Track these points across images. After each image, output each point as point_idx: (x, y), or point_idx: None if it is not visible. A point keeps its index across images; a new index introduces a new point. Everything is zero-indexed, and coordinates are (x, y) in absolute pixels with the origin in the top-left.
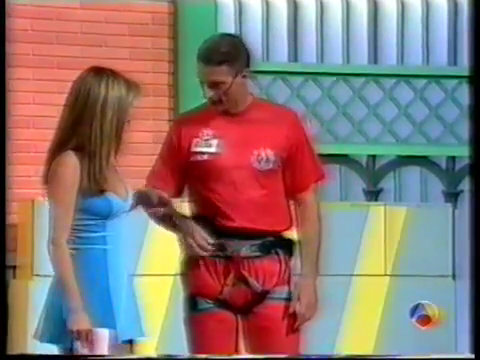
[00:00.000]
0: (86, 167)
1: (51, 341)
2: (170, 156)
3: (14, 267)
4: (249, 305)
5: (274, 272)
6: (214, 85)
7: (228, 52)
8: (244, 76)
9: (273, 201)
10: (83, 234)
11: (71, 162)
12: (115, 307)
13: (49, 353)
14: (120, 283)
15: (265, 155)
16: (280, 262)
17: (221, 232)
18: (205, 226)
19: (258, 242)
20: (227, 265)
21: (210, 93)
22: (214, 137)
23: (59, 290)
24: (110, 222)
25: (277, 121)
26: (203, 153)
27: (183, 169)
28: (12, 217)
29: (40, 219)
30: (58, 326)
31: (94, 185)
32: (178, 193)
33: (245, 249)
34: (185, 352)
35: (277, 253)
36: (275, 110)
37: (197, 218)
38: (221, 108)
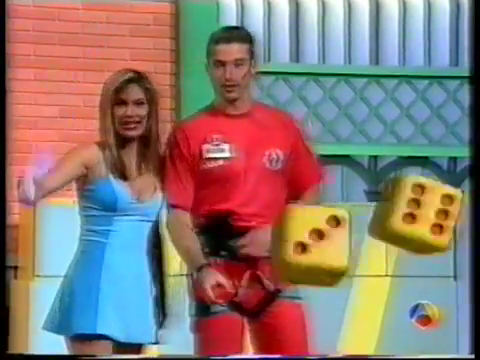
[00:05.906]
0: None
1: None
2: (183, 168)
3: (15, 267)
4: (261, 305)
5: None
6: (237, 64)
7: (248, 34)
8: (253, 67)
9: (279, 201)
10: (88, 226)
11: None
12: (102, 303)
13: (49, 353)
14: (113, 280)
15: (276, 155)
16: None
17: (235, 233)
18: (218, 227)
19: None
20: (242, 266)
21: (232, 73)
22: (224, 141)
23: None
24: (117, 217)
25: (278, 122)
26: (217, 158)
27: (196, 177)
28: (13, 218)
29: (41, 219)
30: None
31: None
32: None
33: None
34: (185, 353)
35: None
36: (274, 111)
37: (209, 221)
38: (233, 96)
